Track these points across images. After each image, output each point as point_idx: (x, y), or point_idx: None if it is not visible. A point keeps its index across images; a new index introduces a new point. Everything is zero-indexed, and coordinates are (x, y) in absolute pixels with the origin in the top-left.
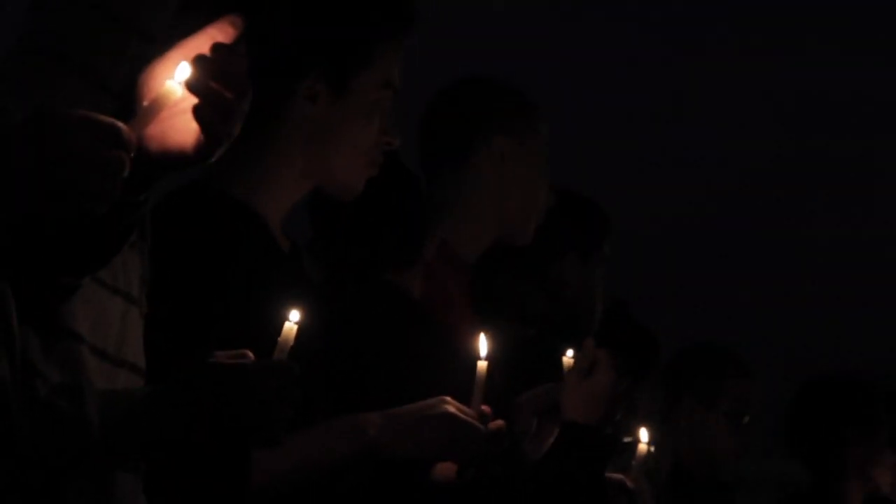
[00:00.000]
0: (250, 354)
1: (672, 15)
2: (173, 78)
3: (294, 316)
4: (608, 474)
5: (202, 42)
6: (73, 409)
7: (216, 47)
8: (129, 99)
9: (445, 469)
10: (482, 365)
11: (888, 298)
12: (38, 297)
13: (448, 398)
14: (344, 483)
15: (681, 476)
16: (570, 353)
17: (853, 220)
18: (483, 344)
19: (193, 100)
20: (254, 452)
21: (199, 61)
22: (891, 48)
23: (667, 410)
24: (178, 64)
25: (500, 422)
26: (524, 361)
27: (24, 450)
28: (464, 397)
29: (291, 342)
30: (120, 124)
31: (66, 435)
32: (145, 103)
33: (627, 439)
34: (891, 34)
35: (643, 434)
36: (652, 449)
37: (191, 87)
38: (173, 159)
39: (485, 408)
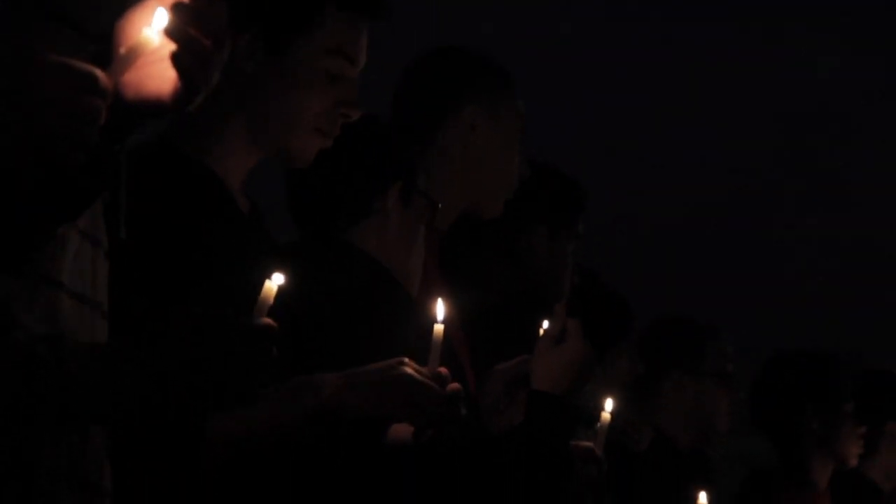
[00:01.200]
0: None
1: (672, 15)
2: (150, 25)
3: (277, 278)
4: (577, 443)
5: None
6: (54, 361)
7: None
8: (108, 43)
9: (401, 430)
10: (438, 328)
11: (866, 287)
12: (12, 246)
13: (407, 359)
14: (301, 442)
15: (663, 448)
16: (546, 324)
17: (844, 214)
18: (440, 308)
19: (171, 47)
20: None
21: (176, 8)
22: (890, 47)
23: (650, 385)
24: (155, 11)
25: (456, 384)
26: (488, 330)
27: (2, 400)
28: (422, 361)
29: (271, 302)
30: (96, 71)
31: (46, 386)
32: (122, 50)
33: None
34: (890, 33)
35: (608, 404)
36: (607, 416)
37: (169, 33)
38: (150, 107)
39: (442, 370)
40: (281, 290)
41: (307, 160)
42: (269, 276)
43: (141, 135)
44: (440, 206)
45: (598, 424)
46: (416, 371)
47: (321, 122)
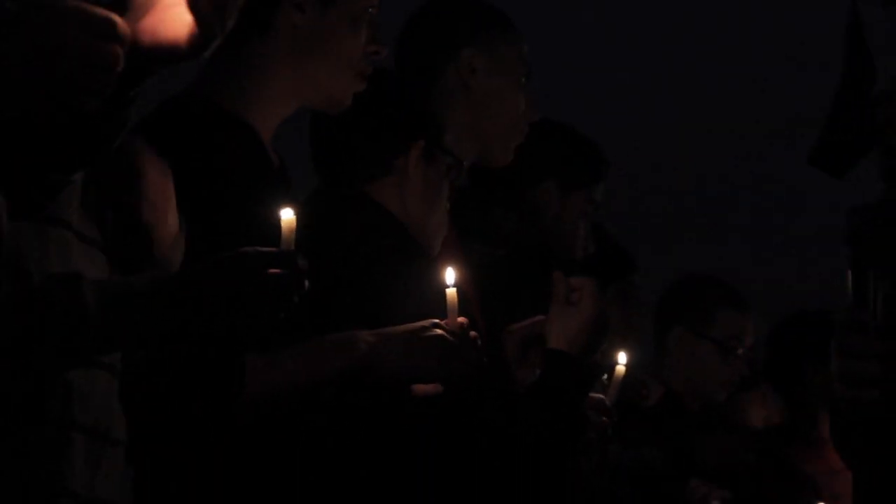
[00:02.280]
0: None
1: None
2: None
3: (287, 211)
4: (590, 395)
5: None
6: (69, 298)
7: None
8: None
9: (421, 388)
10: (451, 292)
11: None
12: (31, 192)
13: (438, 320)
14: (331, 397)
15: (673, 405)
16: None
17: None
18: (449, 273)
19: None
20: (249, 360)
21: None
22: None
23: (658, 340)
24: None
25: (474, 332)
26: (497, 284)
27: (17, 338)
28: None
29: (294, 232)
30: (115, 17)
31: (61, 322)
32: None
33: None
34: None
35: (621, 357)
36: (622, 369)
37: None
38: (166, 53)
39: (462, 319)
40: (299, 217)
41: (348, 103)
42: (278, 214)
43: (173, 87)
44: (465, 163)
45: (612, 377)
46: (448, 333)
47: (361, 64)
